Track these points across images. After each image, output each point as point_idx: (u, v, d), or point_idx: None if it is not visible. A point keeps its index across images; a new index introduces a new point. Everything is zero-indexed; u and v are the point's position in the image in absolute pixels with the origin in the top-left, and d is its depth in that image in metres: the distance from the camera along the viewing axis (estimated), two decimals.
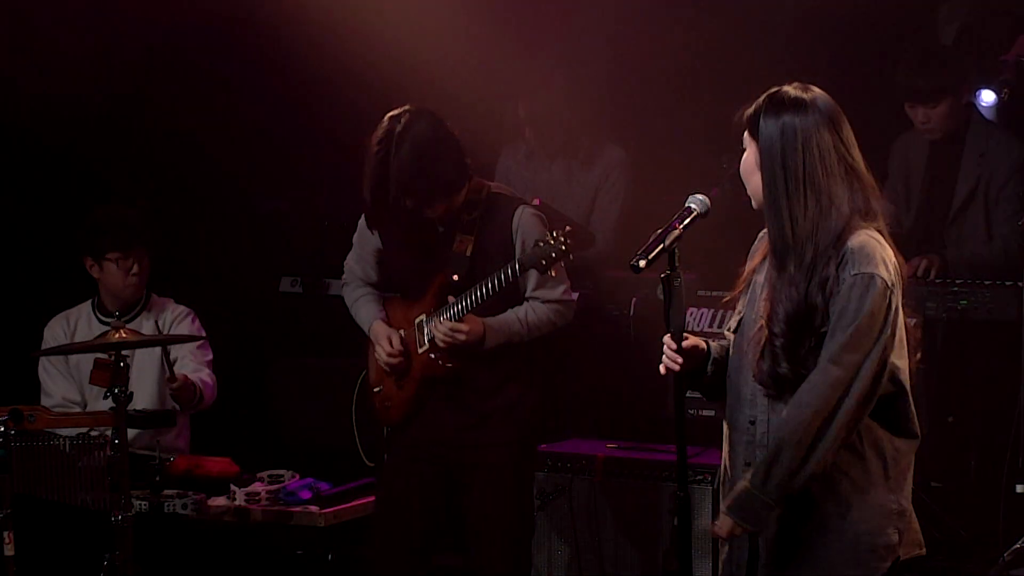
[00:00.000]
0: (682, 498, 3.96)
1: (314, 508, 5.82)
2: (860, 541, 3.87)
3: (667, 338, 3.94)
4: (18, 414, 5.32)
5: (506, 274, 5.03)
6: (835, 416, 3.76)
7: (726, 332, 4.08)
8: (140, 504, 5.60)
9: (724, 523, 3.87)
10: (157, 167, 7.46)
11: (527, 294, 5.27)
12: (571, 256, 4.93)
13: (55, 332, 6.33)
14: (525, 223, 5.21)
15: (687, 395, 4.06)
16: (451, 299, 5.19)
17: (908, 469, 3.94)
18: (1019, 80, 6.16)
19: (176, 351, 6.09)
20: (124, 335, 5.32)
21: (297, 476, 6.01)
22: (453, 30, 6.87)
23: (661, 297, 3.95)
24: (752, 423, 3.94)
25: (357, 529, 5.80)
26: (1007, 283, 6.00)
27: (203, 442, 6.40)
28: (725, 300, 4.11)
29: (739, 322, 4.02)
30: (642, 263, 3.85)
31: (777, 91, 3.91)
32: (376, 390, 5.47)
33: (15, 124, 7.07)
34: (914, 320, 3.95)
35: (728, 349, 4.07)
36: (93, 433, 5.58)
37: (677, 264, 3.88)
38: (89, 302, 6.36)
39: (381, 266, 5.51)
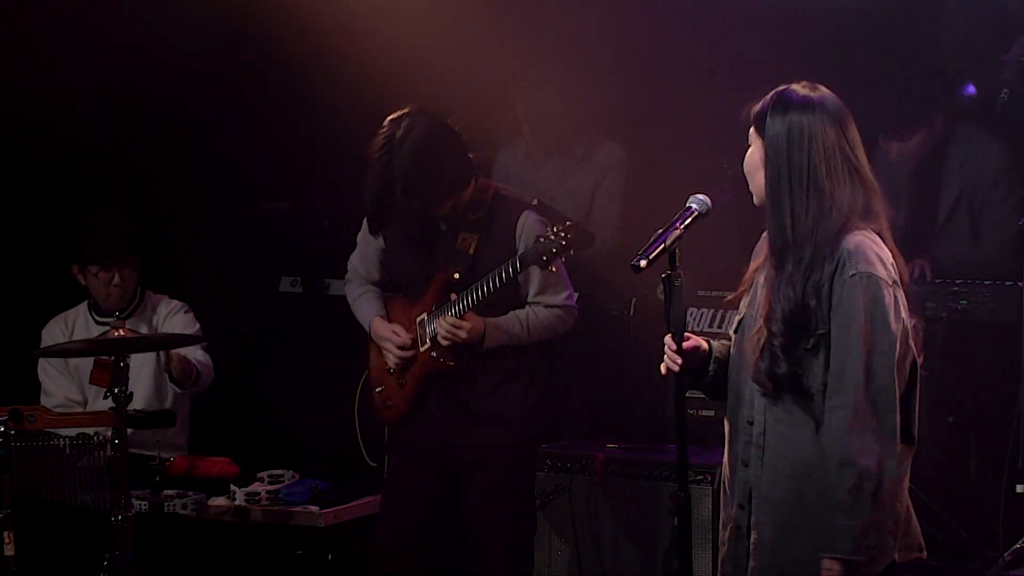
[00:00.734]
0: (682, 498, 3.96)
1: (314, 508, 5.83)
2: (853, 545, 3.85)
3: (668, 338, 3.94)
4: (18, 414, 5.32)
5: (507, 271, 5.03)
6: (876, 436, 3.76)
7: (730, 332, 4.09)
8: (140, 504, 5.60)
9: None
10: (157, 167, 7.45)
11: (529, 298, 5.28)
12: (572, 251, 4.92)
13: (53, 333, 6.35)
14: (529, 227, 5.22)
15: (687, 395, 4.06)
16: (453, 296, 5.20)
17: (906, 472, 3.92)
18: (1019, 80, 6.15)
19: None
20: (123, 333, 5.32)
21: (297, 476, 6.01)
22: (453, 29, 6.87)
23: (662, 297, 3.95)
24: (751, 423, 3.95)
25: (357, 529, 5.80)
26: (1007, 283, 6.00)
27: (203, 442, 6.41)
28: (727, 300, 4.11)
29: (740, 322, 4.02)
30: (643, 263, 3.85)
31: (785, 89, 3.92)
32: (378, 390, 5.47)
33: (14, 124, 7.07)
34: (913, 321, 3.95)
35: (730, 348, 4.07)
36: (89, 431, 5.58)
37: (678, 264, 3.88)
38: (85, 303, 6.37)
39: (384, 266, 5.51)
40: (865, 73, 6.58)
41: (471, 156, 5.24)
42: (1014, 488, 5.69)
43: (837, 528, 3.77)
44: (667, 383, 4.03)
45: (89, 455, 5.53)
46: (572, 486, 5.80)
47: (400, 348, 5.32)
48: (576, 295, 5.99)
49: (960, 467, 6.12)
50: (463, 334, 5.16)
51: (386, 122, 5.17)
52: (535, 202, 6.12)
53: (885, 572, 3.87)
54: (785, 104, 3.88)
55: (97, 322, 6.28)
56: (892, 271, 3.85)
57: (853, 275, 3.79)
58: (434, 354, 5.25)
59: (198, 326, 6.31)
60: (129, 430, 5.26)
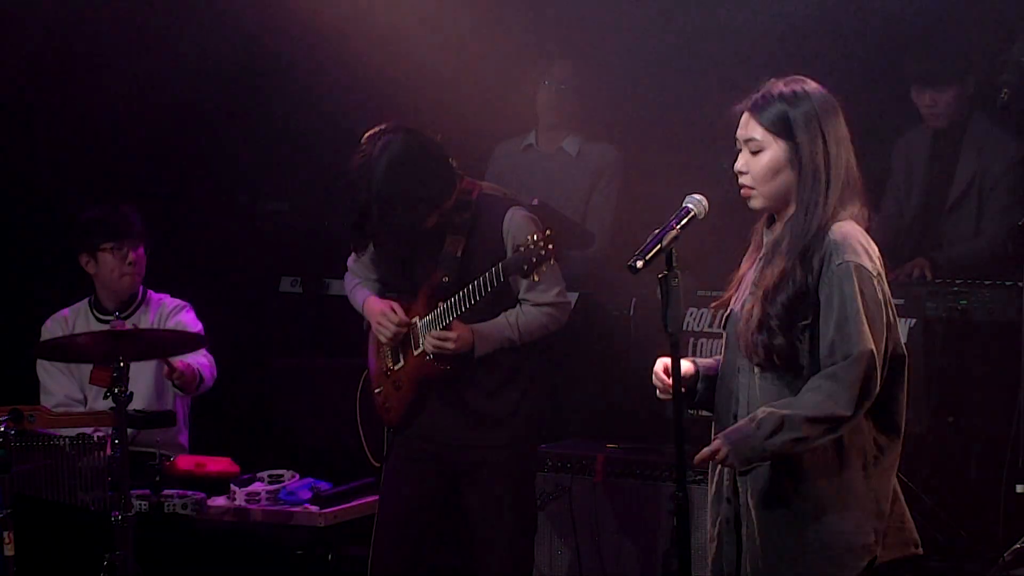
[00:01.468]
0: (682, 498, 3.96)
1: (314, 508, 5.83)
2: (836, 540, 3.89)
3: (658, 368, 4.00)
4: (18, 414, 5.33)
5: (491, 281, 5.00)
6: (846, 409, 3.79)
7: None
8: (140, 504, 5.60)
9: (717, 447, 3.86)
10: (157, 167, 7.46)
11: (519, 296, 5.26)
12: (552, 260, 4.87)
13: (53, 332, 6.34)
14: (516, 224, 5.19)
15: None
16: (440, 305, 5.18)
17: (891, 467, 3.96)
18: (1019, 80, 6.16)
19: None
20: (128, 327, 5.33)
21: (297, 476, 6.01)
22: (452, 28, 6.88)
23: (660, 297, 3.95)
24: (735, 417, 3.98)
25: (357, 529, 5.80)
26: (1007, 283, 6.00)
27: (203, 442, 6.41)
28: (714, 306, 4.13)
29: (727, 318, 4.06)
30: (639, 263, 3.85)
31: (799, 88, 3.95)
32: (377, 391, 5.47)
33: (14, 123, 7.08)
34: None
35: (715, 363, 4.10)
36: (88, 431, 5.59)
37: (675, 264, 3.89)
38: (86, 300, 6.37)
39: (376, 265, 5.51)
40: (895, 41, 6.64)
41: (453, 163, 5.21)
42: (1014, 488, 5.69)
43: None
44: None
45: (89, 455, 5.54)
46: (572, 486, 5.81)
47: (397, 326, 5.27)
48: (576, 294, 6.01)
49: (960, 467, 6.11)
50: (450, 346, 5.15)
51: (363, 139, 5.14)
52: (535, 202, 6.12)
53: (867, 568, 3.90)
54: (806, 103, 3.92)
55: (98, 319, 6.28)
56: (878, 263, 3.91)
57: (839, 264, 3.84)
58: (428, 358, 5.24)
59: (200, 325, 6.31)
60: (129, 430, 5.27)
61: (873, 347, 3.81)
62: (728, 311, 4.08)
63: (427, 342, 5.19)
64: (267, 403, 7.21)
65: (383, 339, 5.34)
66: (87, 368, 5.76)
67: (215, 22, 7.16)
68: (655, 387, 4.06)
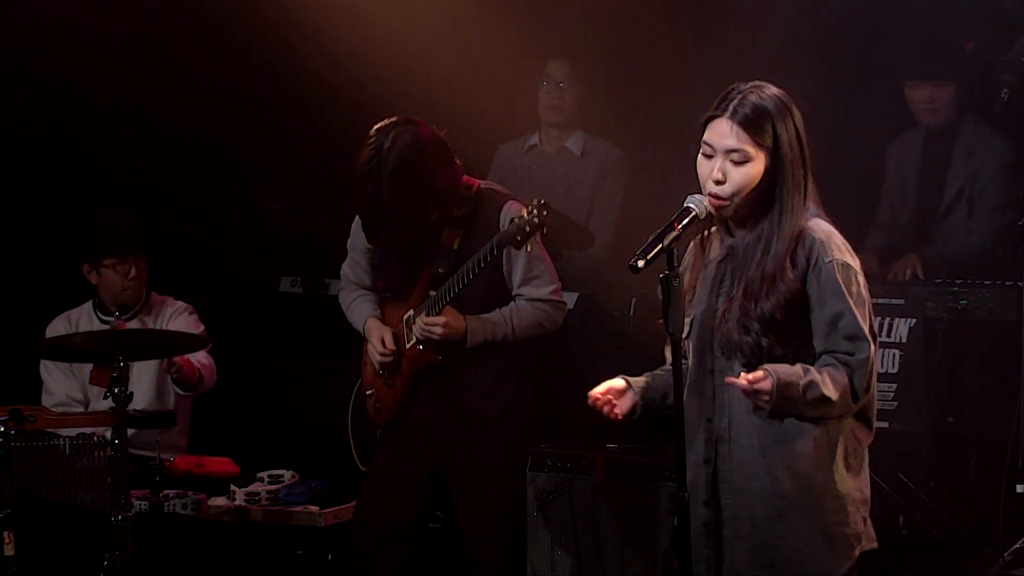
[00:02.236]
0: (682, 498, 3.96)
1: (314, 508, 5.83)
2: (833, 530, 3.95)
3: (593, 393, 4.13)
4: (18, 414, 5.33)
5: (484, 258, 5.00)
6: (858, 391, 3.88)
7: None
8: (140, 504, 5.60)
9: (764, 385, 3.82)
10: (157, 167, 7.46)
11: (513, 291, 5.26)
12: (545, 229, 4.87)
13: (57, 331, 6.35)
14: (514, 214, 5.18)
15: None
16: (432, 293, 5.19)
17: (865, 458, 4.04)
18: (1019, 80, 6.17)
19: None
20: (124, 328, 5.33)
21: (297, 476, 6.01)
22: (452, 27, 6.88)
23: (661, 297, 3.95)
24: (710, 420, 4.01)
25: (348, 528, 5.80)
26: (1007, 283, 6.01)
27: (203, 442, 6.41)
28: (660, 322, 4.14)
29: (690, 324, 4.06)
30: (640, 263, 3.85)
31: (771, 92, 3.96)
32: (368, 393, 5.47)
33: (15, 124, 7.07)
34: None
35: (652, 381, 4.13)
36: (88, 431, 5.59)
37: (676, 264, 3.89)
38: (90, 302, 6.38)
39: (374, 269, 5.51)
40: (887, 43, 6.66)
41: (458, 162, 5.22)
42: (1014, 488, 5.70)
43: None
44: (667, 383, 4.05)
45: (89, 455, 5.54)
46: (572, 486, 5.79)
47: (381, 355, 5.31)
48: (576, 294, 6.00)
49: (960, 467, 6.12)
50: (438, 330, 5.15)
51: (372, 132, 5.14)
52: (547, 219, 6.11)
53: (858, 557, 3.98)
54: (786, 110, 3.94)
55: (101, 321, 6.28)
56: (858, 261, 3.96)
57: (829, 262, 3.89)
58: (421, 347, 5.24)
59: (203, 327, 6.31)
60: (130, 430, 5.27)
61: (871, 331, 3.88)
62: (690, 318, 4.07)
63: (416, 326, 5.20)
64: (267, 403, 7.21)
65: (375, 363, 5.36)
66: (88, 368, 5.76)
67: (216, 23, 7.16)
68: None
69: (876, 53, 6.83)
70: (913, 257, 6.39)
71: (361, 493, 5.50)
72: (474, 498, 5.29)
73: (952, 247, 6.45)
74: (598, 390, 4.13)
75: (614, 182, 6.99)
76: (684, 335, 4.03)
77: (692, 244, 4.08)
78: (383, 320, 5.44)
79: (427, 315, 5.19)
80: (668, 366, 4.10)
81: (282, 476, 5.99)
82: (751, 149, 3.92)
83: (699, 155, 3.99)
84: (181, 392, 6.19)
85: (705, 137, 3.98)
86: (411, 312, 5.28)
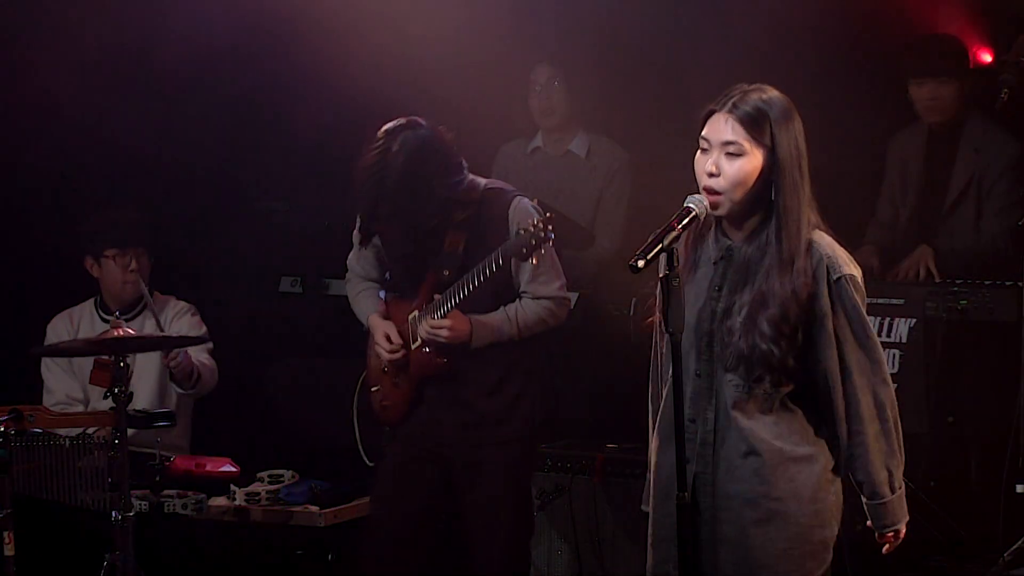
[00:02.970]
0: (682, 498, 3.96)
1: (314, 508, 5.83)
2: (814, 534, 3.98)
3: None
4: (18, 414, 5.33)
5: (490, 266, 5.01)
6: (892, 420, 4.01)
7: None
8: (140, 504, 5.60)
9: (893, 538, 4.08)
10: (156, 167, 7.45)
11: (520, 289, 5.27)
12: (551, 242, 4.89)
13: (58, 330, 6.36)
14: (521, 211, 5.18)
15: None
16: (437, 297, 5.19)
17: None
18: (1019, 80, 6.16)
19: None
20: (123, 333, 5.32)
21: (297, 476, 6.01)
22: (452, 28, 6.87)
23: (660, 297, 3.95)
24: (692, 421, 4.01)
25: (357, 529, 5.80)
26: (1007, 283, 6.00)
27: (203, 442, 6.41)
28: (648, 321, 4.14)
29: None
30: (640, 263, 3.85)
31: (771, 94, 3.96)
32: (374, 389, 5.46)
33: (16, 123, 7.07)
34: None
35: None
36: (90, 431, 5.59)
37: (676, 264, 3.89)
38: (92, 300, 6.39)
39: (381, 262, 5.51)
40: (887, 42, 6.66)
41: (463, 164, 5.22)
42: (1014, 488, 5.70)
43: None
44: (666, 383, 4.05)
45: (89, 455, 5.54)
46: (572, 486, 5.80)
47: (389, 352, 5.32)
48: (576, 294, 5.99)
49: (960, 467, 6.12)
50: (444, 334, 5.15)
51: (380, 134, 5.13)
52: (535, 201, 6.11)
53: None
54: (786, 112, 3.94)
55: (103, 320, 6.29)
56: (859, 269, 4.00)
57: (838, 277, 3.92)
58: (427, 349, 5.24)
59: (204, 328, 6.32)
60: (130, 430, 5.27)
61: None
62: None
63: (421, 329, 5.20)
64: (267, 403, 7.21)
65: (384, 360, 5.36)
66: (88, 368, 5.76)
67: (216, 24, 7.16)
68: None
69: (877, 49, 6.83)
70: (926, 249, 6.35)
71: (374, 496, 5.50)
72: (480, 498, 5.29)
73: (961, 245, 6.43)
74: None
75: (620, 184, 6.98)
76: (664, 328, 4.04)
77: (682, 242, 4.02)
78: (387, 315, 5.44)
79: (432, 318, 5.19)
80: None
81: (282, 476, 5.99)
82: (746, 143, 3.91)
83: (697, 152, 3.99)
84: (180, 391, 6.19)
85: (703, 133, 3.98)
86: (416, 313, 5.28)
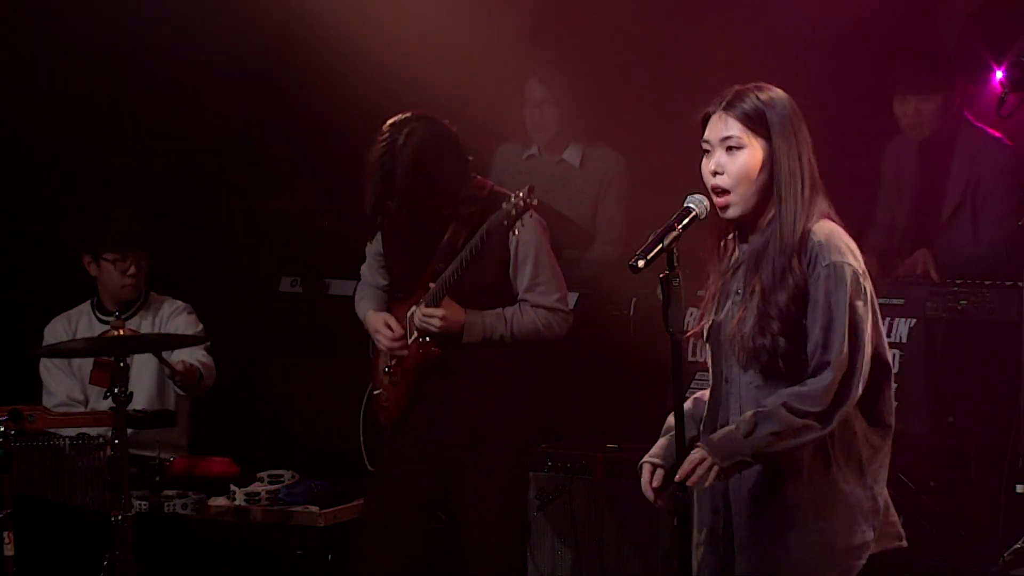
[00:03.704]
0: (682, 498, 3.96)
1: (314, 508, 5.83)
2: (837, 540, 3.92)
3: (645, 480, 4.10)
4: (18, 414, 5.33)
5: (476, 245, 5.02)
6: (830, 415, 3.84)
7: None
8: (140, 504, 5.61)
9: (699, 456, 3.88)
10: (156, 167, 7.46)
11: (519, 296, 5.27)
12: (532, 213, 4.89)
13: (56, 332, 6.35)
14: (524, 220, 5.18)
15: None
16: (431, 286, 5.20)
17: (886, 464, 4.01)
18: (1019, 80, 6.15)
19: None
20: (123, 333, 5.33)
21: (297, 476, 6.01)
22: (452, 30, 6.88)
23: (661, 297, 3.95)
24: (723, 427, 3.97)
25: (357, 529, 5.81)
26: (1007, 283, 6.00)
27: (203, 442, 6.41)
28: (690, 334, 4.10)
29: (709, 331, 4.06)
30: (640, 263, 3.85)
31: (768, 91, 3.96)
32: (376, 392, 5.48)
33: (16, 123, 7.08)
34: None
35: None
36: (92, 433, 5.59)
37: (676, 264, 3.89)
38: (89, 302, 6.38)
39: (385, 269, 5.52)
40: (883, 49, 6.64)
41: (470, 159, 5.23)
42: (1014, 488, 5.69)
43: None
44: (667, 383, 4.04)
45: (89, 455, 5.54)
46: (572, 486, 5.80)
47: (391, 341, 5.31)
48: (576, 294, 5.98)
49: (960, 467, 6.12)
50: (436, 321, 5.16)
51: (386, 127, 5.15)
52: (534, 202, 6.11)
53: (866, 565, 3.94)
54: (783, 108, 3.93)
55: (100, 321, 6.28)
56: (861, 260, 3.93)
57: (826, 265, 3.85)
58: (422, 340, 5.25)
59: (201, 327, 6.32)
60: (130, 430, 5.27)
61: (848, 355, 3.83)
62: (710, 323, 4.07)
63: (415, 316, 5.20)
64: (267, 403, 7.21)
65: (382, 347, 5.36)
66: (88, 368, 5.76)
67: (216, 24, 7.16)
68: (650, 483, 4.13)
69: (868, 58, 6.81)
70: (925, 252, 6.35)
71: (370, 496, 5.50)
72: (477, 498, 5.30)
73: (961, 254, 6.41)
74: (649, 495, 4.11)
75: (617, 188, 6.97)
76: (705, 339, 4.05)
77: (713, 255, 4.05)
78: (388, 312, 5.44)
79: (425, 306, 5.19)
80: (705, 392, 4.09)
81: (282, 476, 5.99)
82: (744, 136, 3.92)
83: (703, 158, 3.99)
84: (182, 392, 6.19)
85: (704, 136, 3.98)
86: (413, 308, 5.29)
